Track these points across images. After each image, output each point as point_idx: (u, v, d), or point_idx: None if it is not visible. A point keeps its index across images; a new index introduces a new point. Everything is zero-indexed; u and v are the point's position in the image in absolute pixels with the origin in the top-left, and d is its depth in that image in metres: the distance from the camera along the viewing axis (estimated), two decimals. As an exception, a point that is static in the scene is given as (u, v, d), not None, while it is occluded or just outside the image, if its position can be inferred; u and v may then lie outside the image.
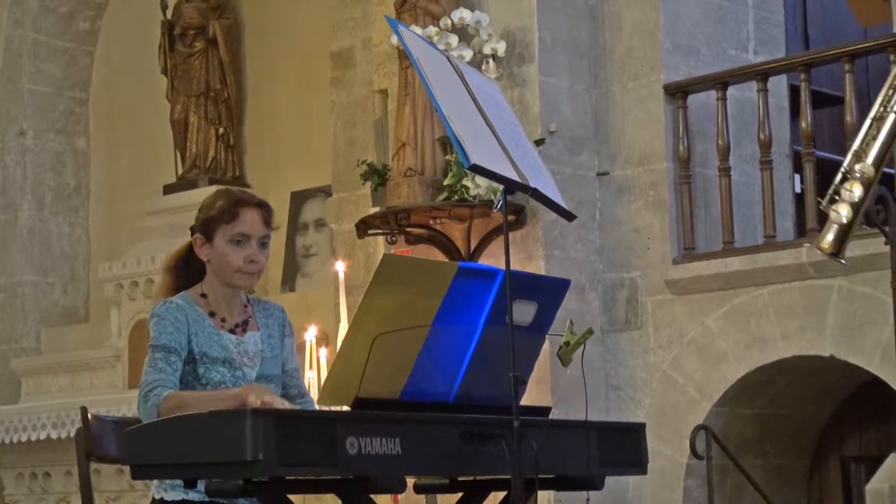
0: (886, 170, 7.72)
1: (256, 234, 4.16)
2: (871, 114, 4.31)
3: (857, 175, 4.26)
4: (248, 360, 4.18)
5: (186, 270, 4.27)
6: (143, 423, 3.87)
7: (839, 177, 4.25)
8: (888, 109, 4.29)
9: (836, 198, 4.30)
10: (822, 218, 6.90)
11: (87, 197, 10.66)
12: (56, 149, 10.51)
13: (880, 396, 6.92)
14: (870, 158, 4.29)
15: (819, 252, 4.28)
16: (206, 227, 4.17)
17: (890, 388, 6.62)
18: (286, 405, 3.90)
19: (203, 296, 4.20)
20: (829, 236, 4.29)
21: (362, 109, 8.33)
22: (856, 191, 4.27)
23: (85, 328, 10.20)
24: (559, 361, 4.06)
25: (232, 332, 4.19)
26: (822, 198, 4.38)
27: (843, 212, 4.26)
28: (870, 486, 6.26)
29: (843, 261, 4.40)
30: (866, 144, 4.30)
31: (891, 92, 4.30)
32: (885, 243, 5.81)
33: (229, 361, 4.13)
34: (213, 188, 9.44)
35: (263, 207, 4.21)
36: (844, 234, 4.29)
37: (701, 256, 7.29)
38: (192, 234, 4.24)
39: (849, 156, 4.28)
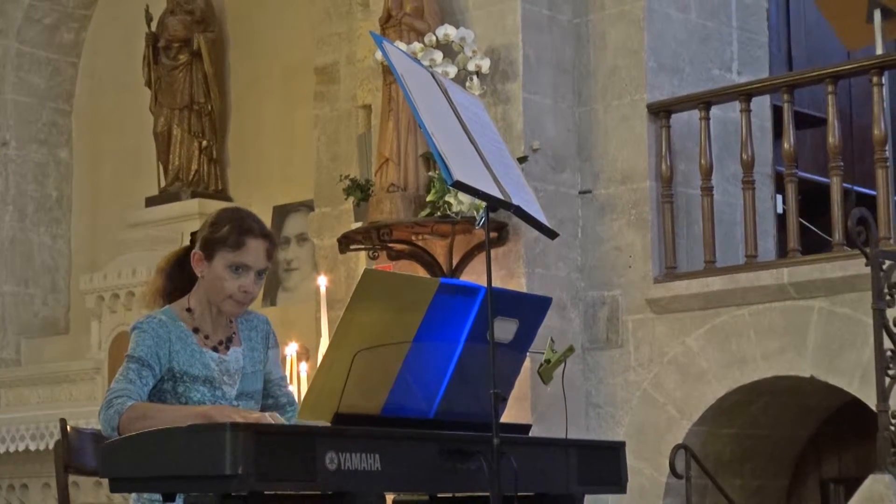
0: (867, 191, 7.80)
1: (257, 266, 4.13)
2: None
3: None
4: (229, 379, 4.16)
5: (179, 274, 4.25)
6: (105, 431, 3.91)
7: None
8: None
9: None
10: (804, 238, 6.94)
11: (69, 208, 10.64)
12: (39, 160, 10.48)
13: (860, 418, 6.93)
14: None
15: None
16: (208, 246, 4.13)
17: (869, 410, 6.62)
18: (279, 419, 3.89)
19: (189, 310, 4.17)
20: None
21: (346, 124, 8.33)
22: None
23: (65, 340, 10.17)
24: (539, 379, 4.05)
25: (215, 349, 4.17)
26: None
27: None
28: (848, 508, 6.26)
29: None
30: None
31: None
32: (866, 264, 5.85)
33: (210, 380, 4.12)
34: (196, 202, 9.53)
35: (269, 239, 4.17)
36: None
37: (682, 276, 7.30)
38: (191, 242, 4.21)
39: None
